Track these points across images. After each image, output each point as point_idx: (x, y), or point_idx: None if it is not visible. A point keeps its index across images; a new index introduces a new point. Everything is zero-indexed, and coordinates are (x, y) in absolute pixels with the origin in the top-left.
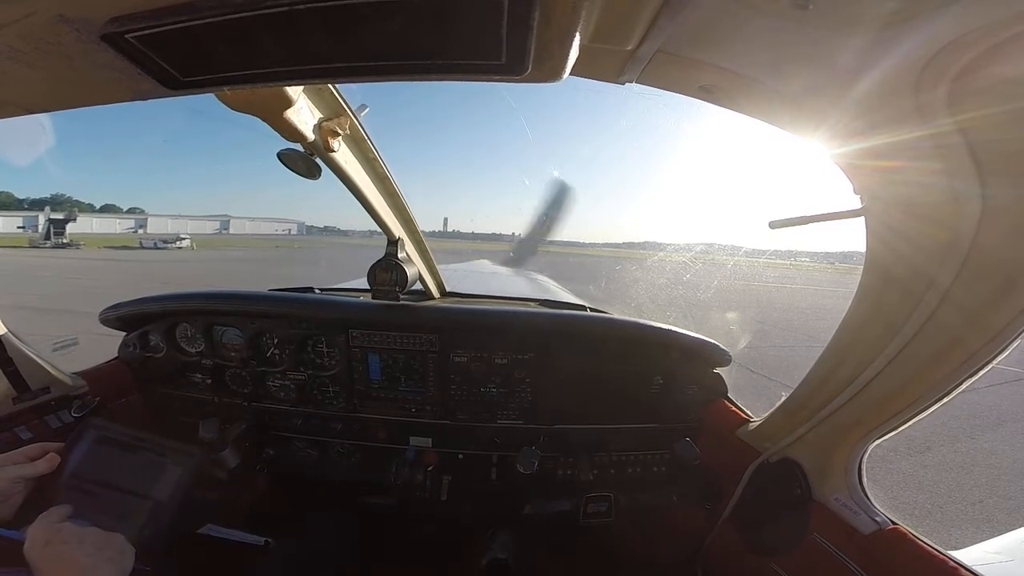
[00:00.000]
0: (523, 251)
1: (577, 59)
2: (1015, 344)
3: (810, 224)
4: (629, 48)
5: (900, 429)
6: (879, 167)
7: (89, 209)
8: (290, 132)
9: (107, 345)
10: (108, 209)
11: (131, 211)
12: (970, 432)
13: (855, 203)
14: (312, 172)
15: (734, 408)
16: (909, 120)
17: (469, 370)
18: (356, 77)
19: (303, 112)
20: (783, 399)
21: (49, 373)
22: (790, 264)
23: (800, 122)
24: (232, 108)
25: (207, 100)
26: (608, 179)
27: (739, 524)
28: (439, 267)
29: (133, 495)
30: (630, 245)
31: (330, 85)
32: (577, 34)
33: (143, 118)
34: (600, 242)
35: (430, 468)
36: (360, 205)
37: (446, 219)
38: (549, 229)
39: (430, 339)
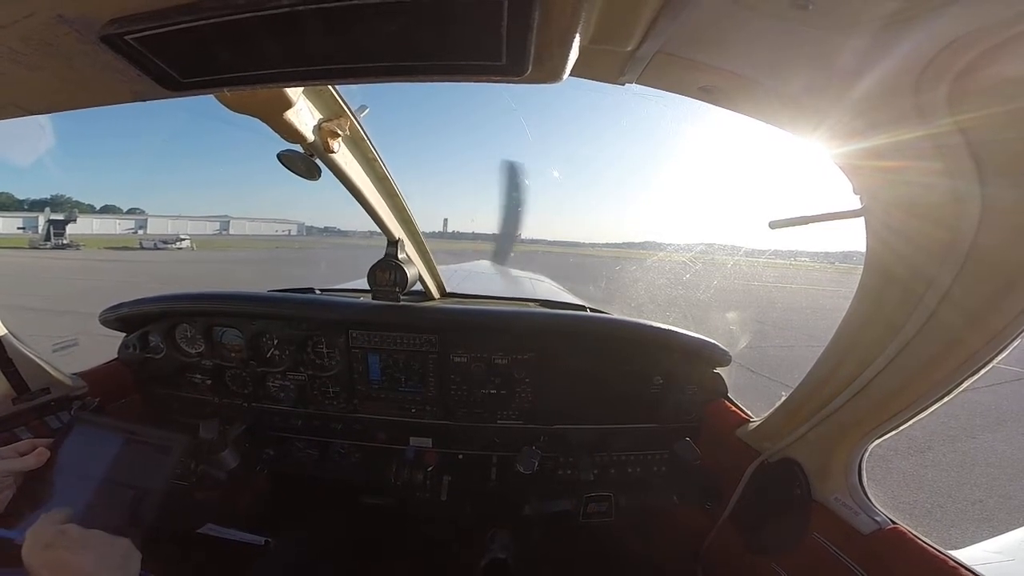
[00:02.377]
0: (503, 249)
1: (577, 60)
2: (1015, 344)
3: (810, 224)
4: (629, 49)
5: (900, 429)
6: (879, 167)
7: (89, 210)
8: (290, 133)
9: (107, 346)
10: (108, 210)
11: (131, 212)
12: (970, 432)
13: (855, 203)
14: (312, 173)
15: (734, 408)
16: (909, 120)
17: (469, 370)
18: (356, 78)
19: (303, 113)
20: (783, 399)
21: (49, 374)
22: (790, 264)
23: (800, 122)
24: (232, 109)
25: (207, 101)
26: (608, 179)
27: (739, 524)
28: (439, 267)
29: (123, 485)
30: (630, 245)
31: (330, 86)
32: (577, 35)
33: (143, 119)
34: (600, 242)
35: (430, 468)
36: (360, 206)
37: (446, 220)
38: (518, 218)
39: (430, 339)
